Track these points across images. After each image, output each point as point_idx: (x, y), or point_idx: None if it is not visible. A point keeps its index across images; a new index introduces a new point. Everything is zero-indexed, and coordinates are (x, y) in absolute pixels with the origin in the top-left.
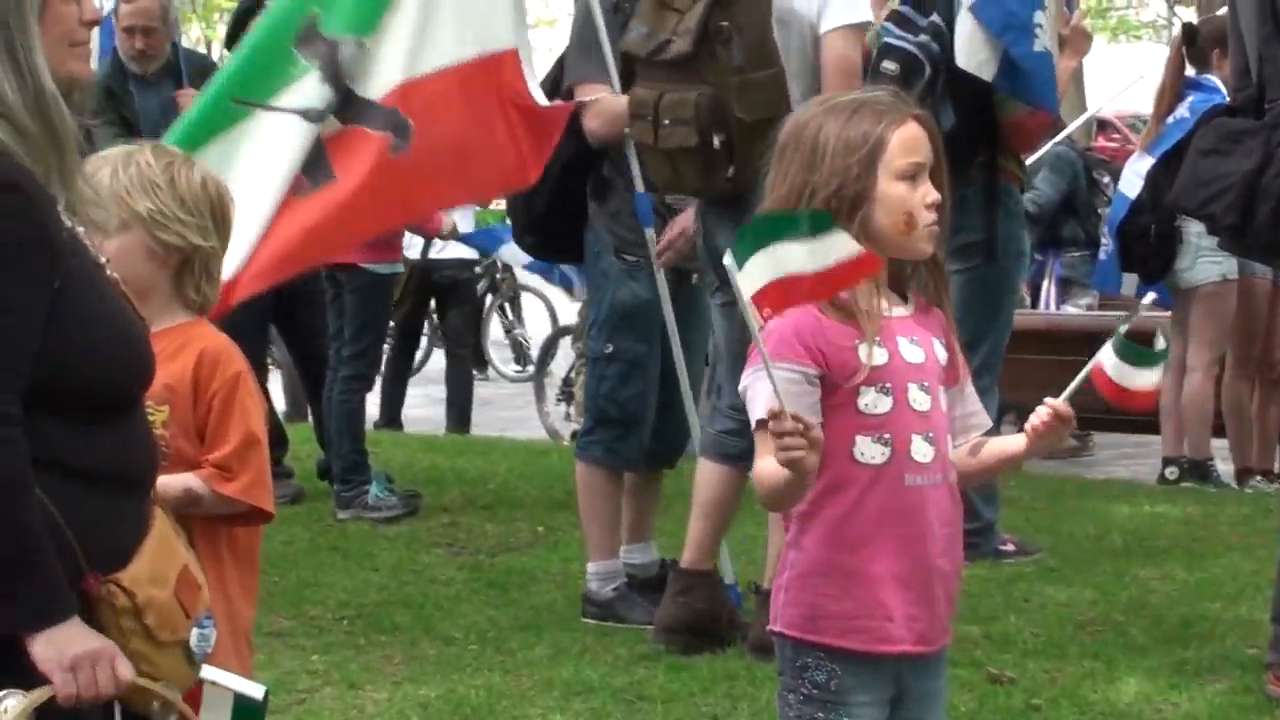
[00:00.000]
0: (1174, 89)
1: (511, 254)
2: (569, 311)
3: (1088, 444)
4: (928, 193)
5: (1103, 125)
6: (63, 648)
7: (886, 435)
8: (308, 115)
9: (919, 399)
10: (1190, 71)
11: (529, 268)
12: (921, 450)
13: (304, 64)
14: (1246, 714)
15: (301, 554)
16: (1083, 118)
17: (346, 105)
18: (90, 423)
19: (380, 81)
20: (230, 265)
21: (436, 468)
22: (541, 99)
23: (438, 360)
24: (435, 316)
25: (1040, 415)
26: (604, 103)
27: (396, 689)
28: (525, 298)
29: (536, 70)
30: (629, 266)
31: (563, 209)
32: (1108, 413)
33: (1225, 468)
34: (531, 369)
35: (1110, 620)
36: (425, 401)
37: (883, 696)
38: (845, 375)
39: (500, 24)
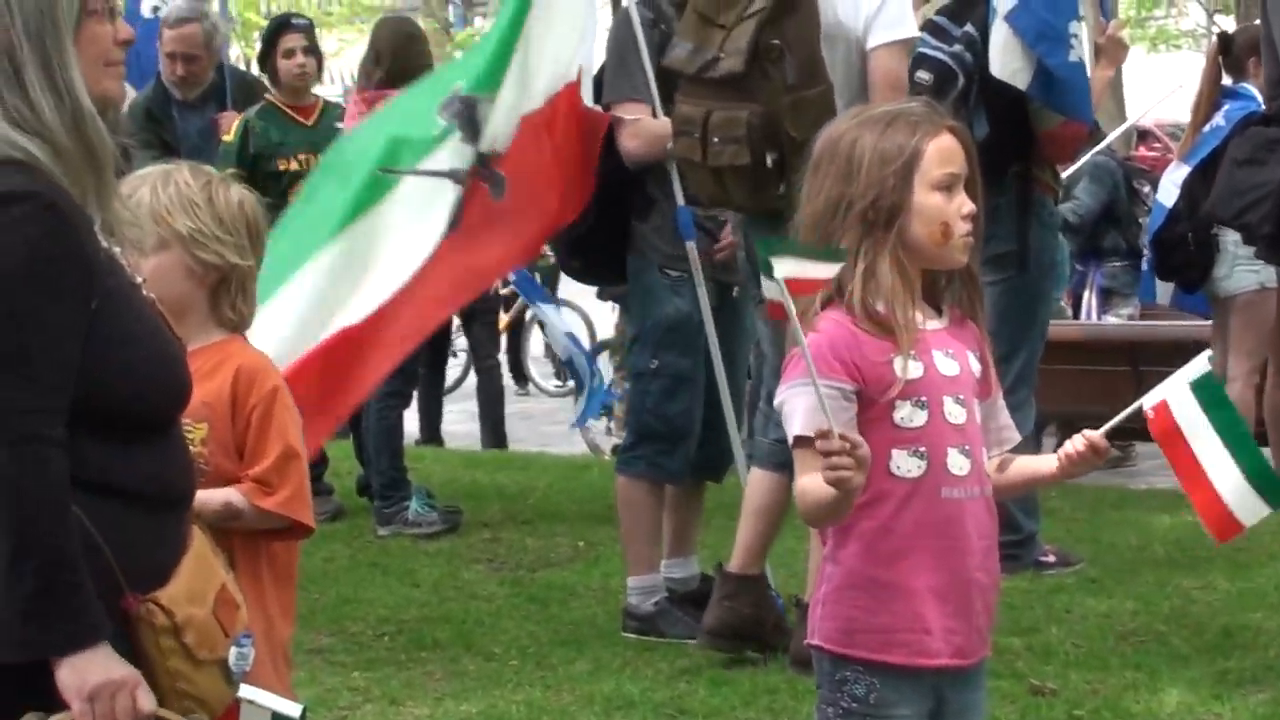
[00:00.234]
0: (1210, 98)
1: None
2: (608, 326)
3: (1130, 454)
4: (963, 204)
5: (1144, 135)
6: (85, 675)
7: (922, 448)
8: (455, 176)
9: (954, 412)
10: (1226, 80)
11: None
12: (958, 463)
13: (444, 125)
14: None
15: (342, 570)
16: (1122, 127)
17: (477, 161)
18: (128, 442)
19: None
20: (398, 324)
21: (477, 483)
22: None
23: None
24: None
25: (1075, 444)
26: (644, 124)
27: (438, 705)
28: (565, 313)
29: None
30: (673, 282)
31: (604, 230)
32: None
33: None
34: (571, 383)
35: (1152, 631)
36: (465, 417)
37: (922, 709)
38: (881, 389)
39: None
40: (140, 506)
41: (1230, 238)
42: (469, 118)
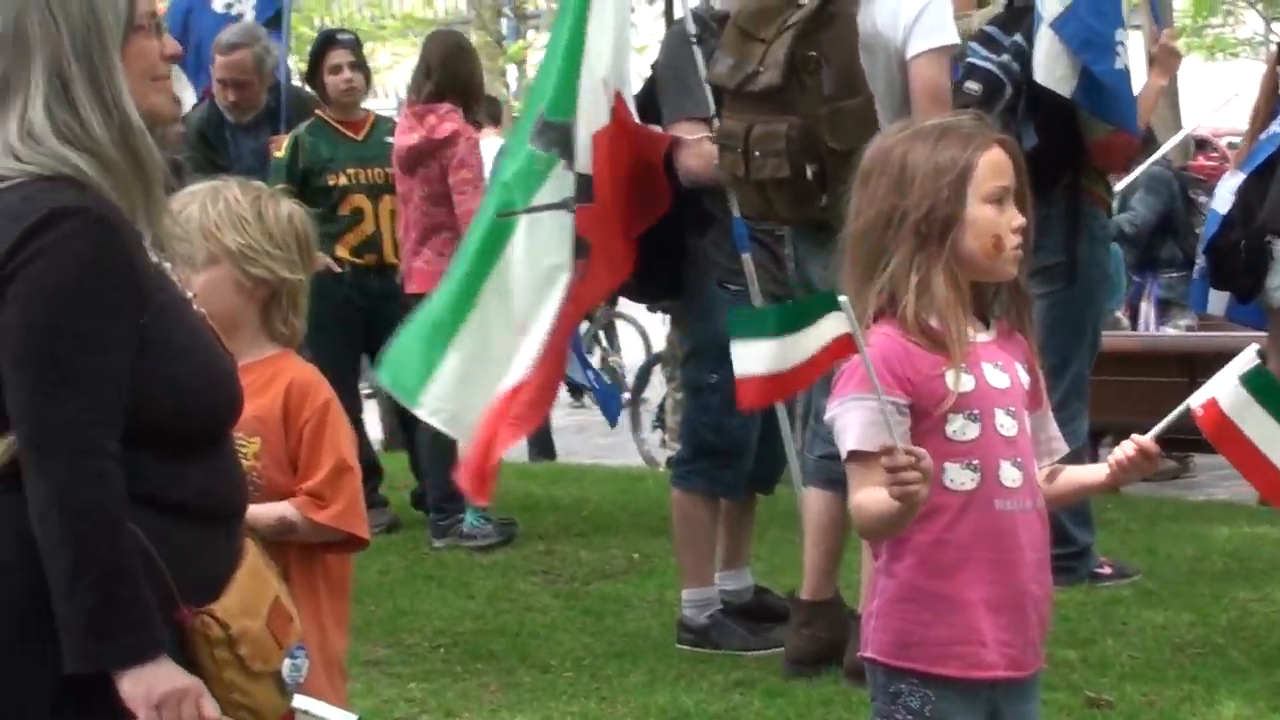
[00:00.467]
0: (1268, 106)
1: None
2: (662, 338)
3: (1188, 466)
4: (1013, 216)
5: (1202, 144)
6: (151, 685)
7: (975, 461)
8: (566, 205)
9: (1006, 424)
10: None
11: None
12: (1010, 475)
13: (545, 156)
14: None
15: (398, 583)
16: (1178, 137)
17: (579, 184)
18: (180, 456)
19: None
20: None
21: (531, 495)
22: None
23: None
24: None
25: (1125, 450)
26: (706, 145)
27: (493, 716)
28: (620, 325)
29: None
30: (733, 295)
31: (655, 245)
32: None
33: None
34: (627, 395)
35: (1209, 643)
36: None
37: None
38: (933, 403)
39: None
40: (193, 520)
41: None
42: (566, 144)
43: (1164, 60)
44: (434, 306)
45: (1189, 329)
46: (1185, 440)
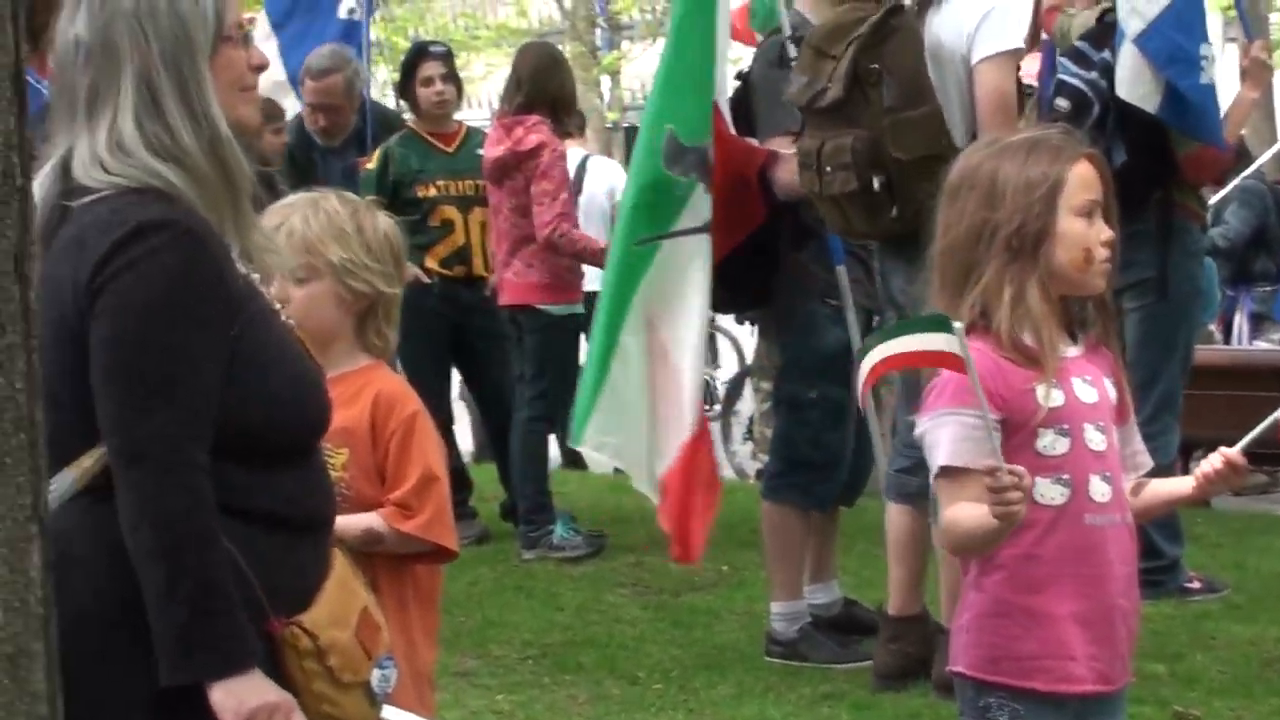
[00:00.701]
0: None
1: None
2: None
3: (1277, 480)
4: (1102, 229)
5: None
6: (242, 698)
7: (1065, 476)
8: (706, 228)
9: (1095, 439)
10: None
11: None
12: (1100, 490)
13: (685, 181)
14: None
15: (487, 594)
16: (1272, 150)
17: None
18: (270, 467)
19: None
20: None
21: (621, 507)
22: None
23: None
24: None
25: (1212, 463)
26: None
27: None
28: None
29: None
30: (833, 311)
31: (745, 258)
32: None
33: None
34: (719, 408)
35: None
36: None
37: None
38: (1024, 418)
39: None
40: (283, 531)
41: None
42: (704, 167)
43: (1255, 72)
44: (590, 345)
45: None
46: (1275, 454)
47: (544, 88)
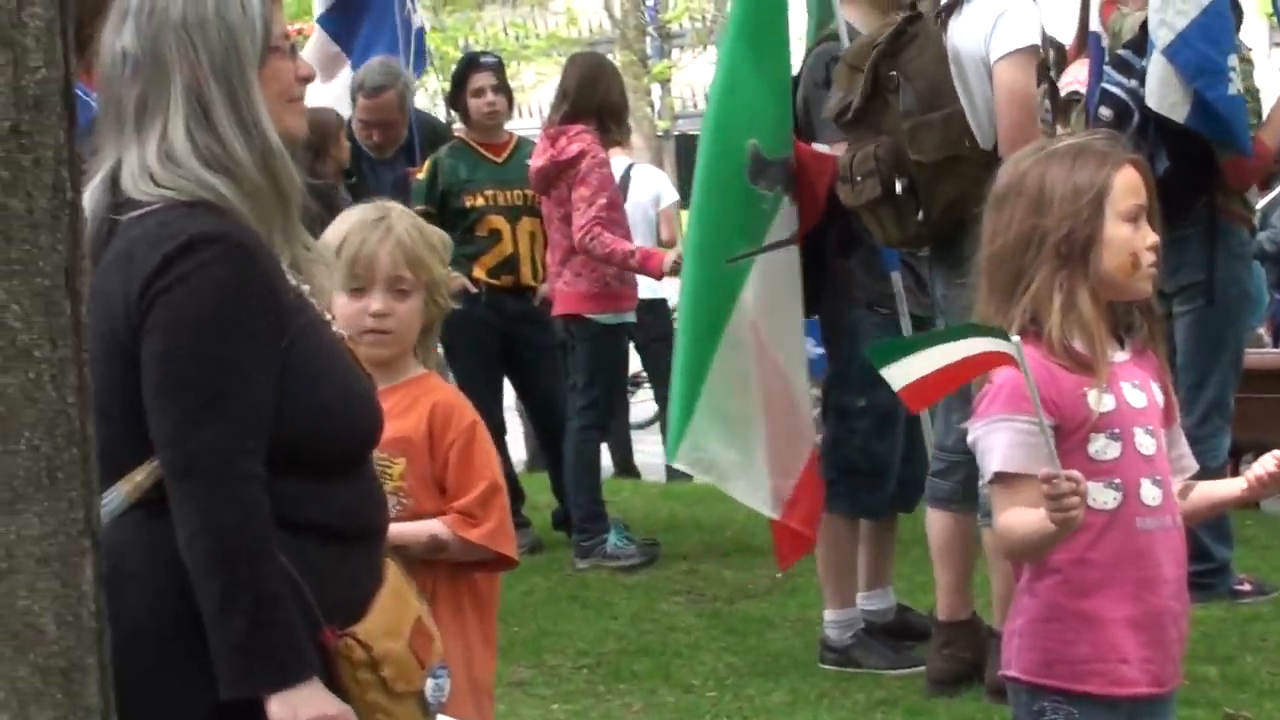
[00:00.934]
0: None
1: None
2: None
3: None
4: (1148, 234)
5: None
6: (299, 709)
7: (1117, 480)
8: (793, 239)
9: (1145, 443)
10: None
11: None
12: (1150, 493)
13: (771, 195)
14: None
15: (540, 603)
16: None
17: None
18: (322, 479)
19: None
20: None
21: (675, 516)
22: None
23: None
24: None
25: (1266, 465)
26: None
27: None
28: None
29: None
30: (882, 319)
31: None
32: None
33: None
34: None
35: None
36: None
37: None
38: (1075, 423)
39: None
40: (335, 541)
41: None
42: (789, 180)
43: None
44: (678, 363)
45: None
46: None
47: (589, 97)
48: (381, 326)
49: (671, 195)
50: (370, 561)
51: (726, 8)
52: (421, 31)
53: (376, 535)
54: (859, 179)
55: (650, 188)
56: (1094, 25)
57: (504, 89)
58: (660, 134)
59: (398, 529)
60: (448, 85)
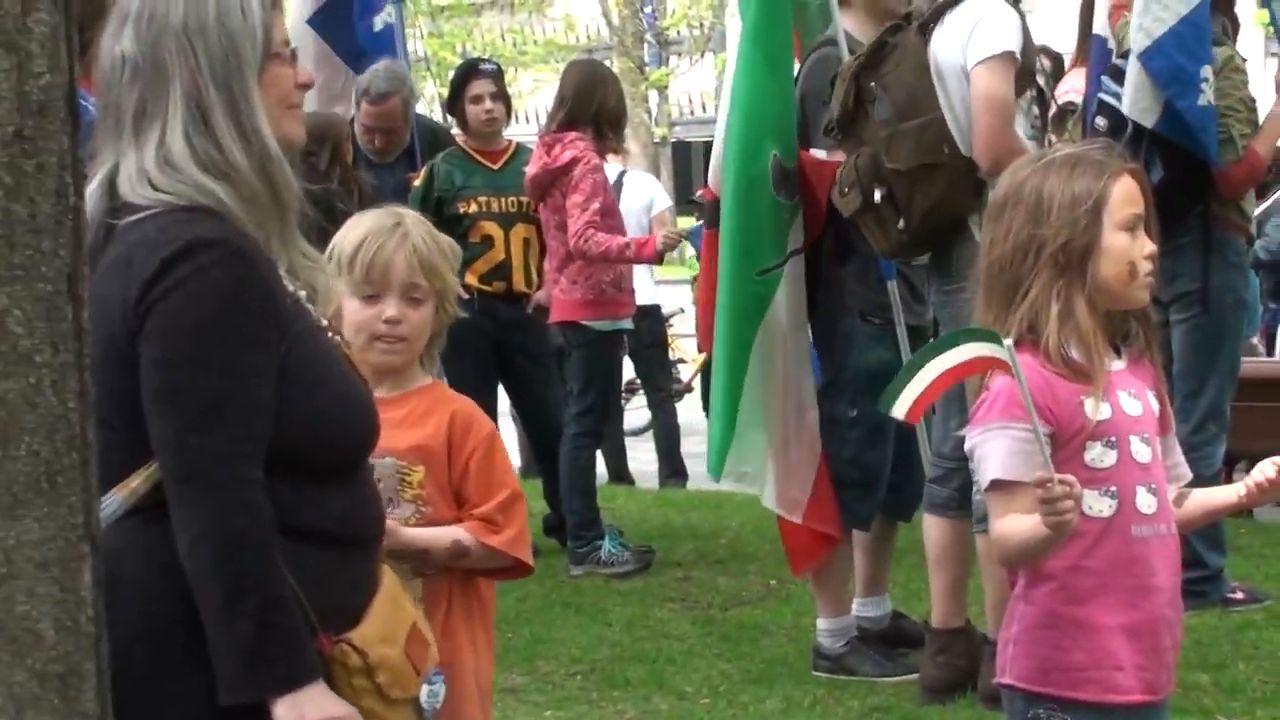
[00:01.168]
0: None
1: None
2: None
3: None
4: (1145, 243)
5: None
6: (305, 712)
7: (1112, 488)
8: (803, 247)
9: (1140, 451)
10: None
11: None
12: (1145, 501)
13: (790, 204)
14: None
15: (534, 610)
16: None
17: None
18: (319, 485)
19: None
20: None
21: (669, 523)
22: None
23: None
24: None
25: (1264, 471)
26: None
27: None
28: None
29: None
30: (875, 329)
31: None
32: None
33: None
34: None
35: None
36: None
37: None
38: (1072, 431)
39: None
40: (332, 548)
41: None
42: (798, 189)
43: None
44: (717, 380)
45: None
46: None
47: (586, 104)
48: (395, 333)
49: (665, 201)
50: (367, 568)
51: (725, 15)
52: (391, 28)
53: (373, 541)
54: (846, 190)
55: (643, 194)
56: (1102, 30)
57: (503, 96)
58: (658, 140)
59: (422, 534)
60: (445, 91)
